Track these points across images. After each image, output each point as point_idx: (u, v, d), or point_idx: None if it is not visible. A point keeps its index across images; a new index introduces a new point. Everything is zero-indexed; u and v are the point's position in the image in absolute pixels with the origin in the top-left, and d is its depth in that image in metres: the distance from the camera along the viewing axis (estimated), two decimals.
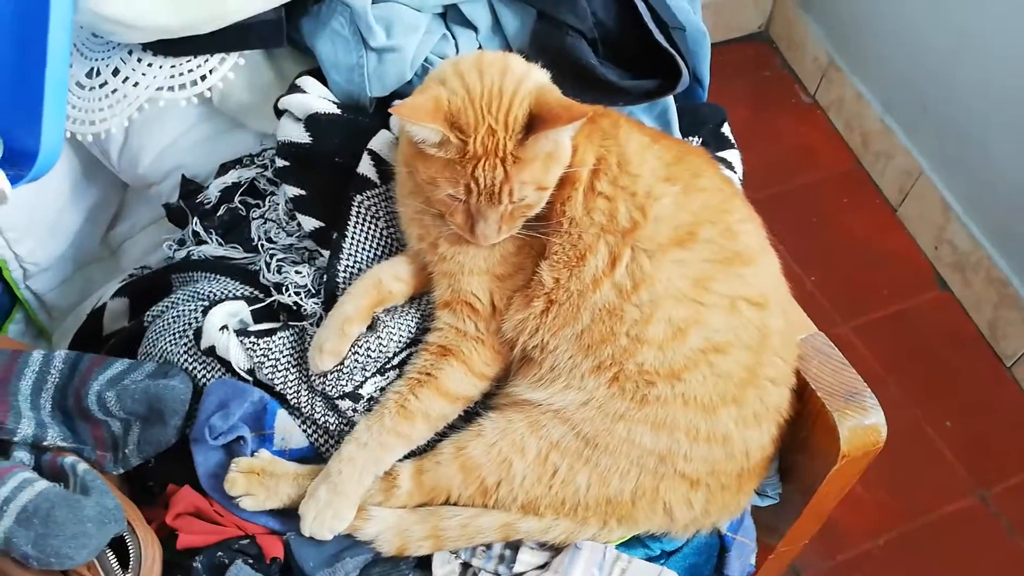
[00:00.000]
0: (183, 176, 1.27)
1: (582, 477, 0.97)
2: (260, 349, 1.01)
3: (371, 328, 1.02)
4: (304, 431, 1.03)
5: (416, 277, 1.06)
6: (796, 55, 2.70)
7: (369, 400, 1.01)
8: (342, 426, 1.02)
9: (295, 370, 1.02)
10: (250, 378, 1.03)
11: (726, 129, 1.29)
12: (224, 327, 1.02)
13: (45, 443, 1.01)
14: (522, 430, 0.97)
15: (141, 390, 1.02)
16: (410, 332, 1.04)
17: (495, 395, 1.04)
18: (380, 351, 1.01)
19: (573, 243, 0.96)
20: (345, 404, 1.00)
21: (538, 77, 0.94)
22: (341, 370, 0.99)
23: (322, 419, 1.02)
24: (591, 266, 0.95)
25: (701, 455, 0.96)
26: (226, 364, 1.04)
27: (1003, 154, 2.07)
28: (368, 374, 1.01)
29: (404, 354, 1.04)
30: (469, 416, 1.03)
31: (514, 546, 0.99)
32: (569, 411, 0.97)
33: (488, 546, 0.99)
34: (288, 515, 0.99)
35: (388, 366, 1.03)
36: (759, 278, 0.99)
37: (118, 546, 0.93)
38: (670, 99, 1.22)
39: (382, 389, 1.02)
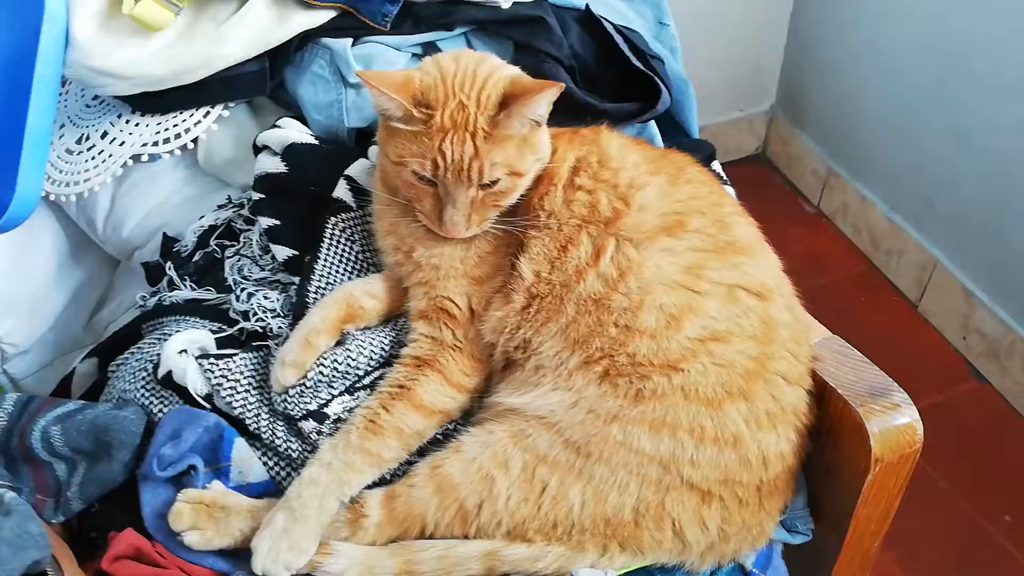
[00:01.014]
0: (164, 234, 1.25)
1: (575, 493, 0.84)
2: (219, 371, 0.93)
3: (340, 343, 0.94)
4: (264, 463, 0.92)
5: (391, 295, 0.99)
6: (795, 170, 2.74)
7: (336, 422, 0.91)
8: (306, 455, 0.91)
9: (256, 392, 0.93)
10: (208, 406, 0.94)
11: (716, 166, 1.26)
12: (183, 351, 0.95)
13: None
14: (504, 442, 0.86)
15: (88, 421, 0.94)
16: (383, 350, 0.95)
17: (476, 412, 0.93)
18: (349, 366, 0.92)
19: (553, 236, 0.90)
20: (309, 426, 0.90)
21: (517, 70, 0.93)
22: (304, 385, 0.90)
23: (284, 446, 0.91)
24: (573, 257, 0.89)
25: (710, 460, 0.84)
26: (184, 395, 0.95)
27: (1020, 234, 2.01)
28: (335, 392, 0.92)
29: (376, 374, 0.95)
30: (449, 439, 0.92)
31: None
32: (556, 416, 0.86)
33: None
34: (240, 556, 0.86)
35: (358, 385, 0.94)
36: (757, 269, 0.91)
37: None
38: (654, 127, 1.21)
39: (351, 411, 0.92)
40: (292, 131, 1.10)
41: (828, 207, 2.65)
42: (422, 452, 0.91)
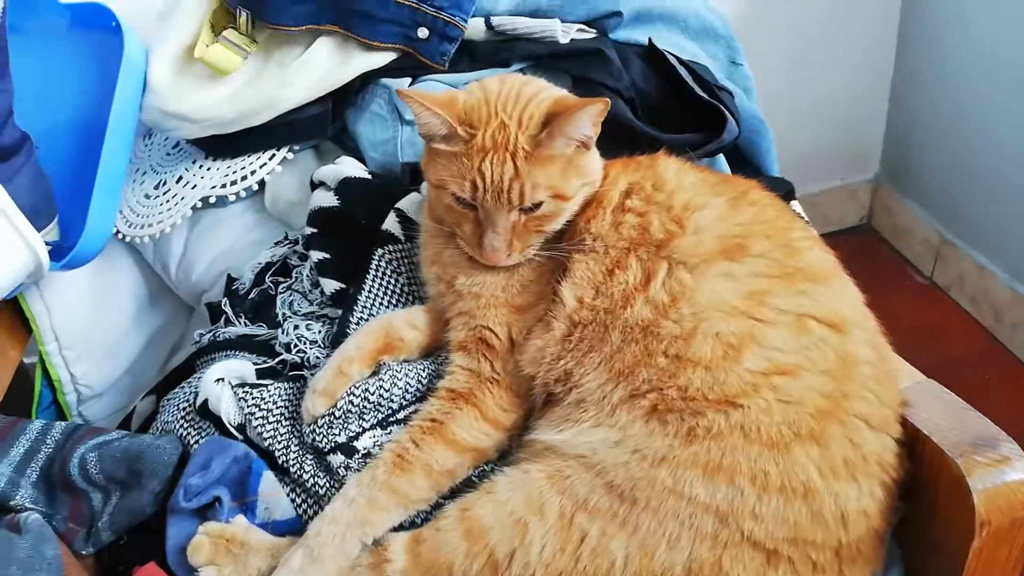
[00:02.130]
0: (228, 275, 1.26)
1: (617, 545, 0.74)
2: (252, 400, 0.90)
3: (375, 374, 0.89)
4: (292, 499, 0.87)
5: (433, 327, 0.94)
6: (904, 240, 2.56)
7: (365, 457, 0.85)
8: (333, 491, 0.85)
9: (287, 423, 0.89)
10: (240, 436, 0.91)
11: (796, 205, 1.17)
12: (220, 380, 0.92)
13: (12, 503, 0.90)
14: (540, 483, 0.77)
15: (123, 449, 0.92)
16: (420, 383, 0.90)
17: (514, 452, 0.85)
18: (381, 397, 0.87)
19: (599, 259, 0.84)
20: (337, 459, 0.85)
21: (563, 91, 0.89)
22: (333, 415, 0.85)
23: (311, 481, 0.86)
24: (620, 282, 0.81)
25: (775, 512, 0.72)
26: (221, 426, 0.92)
27: None
28: (366, 424, 0.86)
29: (412, 408, 0.89)
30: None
31: None
32: (598, 455, 0.77)
33: None
34: None
35: (391, 419, 0.88)
36: (832, 298, 0.81)
37: None
38: (724, 164, 1.13)
39: (381, 446, 0.86)
40: (347, 167, 1.09)
41: (942, 278, 2.45)
42: (456, 495, 0.83)
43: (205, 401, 0.92)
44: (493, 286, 0.87)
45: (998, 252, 2.24)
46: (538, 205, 0.83)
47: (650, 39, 1.13)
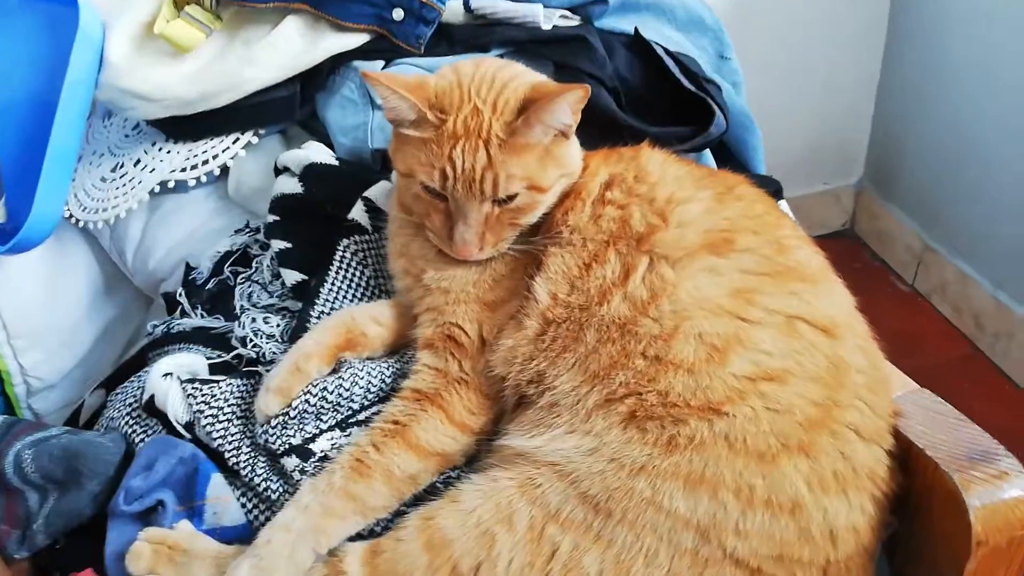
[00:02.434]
0: (186, 264, 1.19)
1: (591, 560, 0.69)
2: (202, 396, 0.83)
3: (335, 372, 0.83)
4: (242, 504, 0.81)
5: (398, 323, 0.88)
6: (886, 246, 2.53)
7: (322, 460, 0.79)
8: (286, 496, 0.79)
9: (239, 423, 0.83)
10: (188, 435, 0.84)
11: (784, 205, 1.12)
12: (168, 374, 0.86)
13: None
14: (510, 492, 0.72)
15: (61, 447, 0.85)
16: (383, 382, 0.84)
17: (482, 458, 0.80)
18: (340, 397, 0.81)
19: (575, 253, 0.78)
20: (291, 462, 0.79)
21: (542, 77, 0.84)
22: (288, 415, 0.79)
23: (263, 485, 0.80)
24: (597, 276, 0.76)
25: (760, 528, 0.67)
26: (168, 424, 0.86)
27: None
28: (323, 426, 0.80)
29: (374, 409, 0.83)
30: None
31: None
32: (572, 463, 0.71)
33: None
34: None
35: (351, 420, 0.82)
36: (823, 300, 0.76)
37: None
38: (711, 159, 1.08)
39: (340, 449, 0.80)
40: (313, 152, 1.03)
41: (924, 285, 2.42)
42: (419, 503, 0.77)
43: (152, 397, 0.86)
44: (463, 281, 0.81)
45: (981, 260, 2.22)
46: (512, 197, 0.78)
47: (636, 28, 1.09)
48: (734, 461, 0.68)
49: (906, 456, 0.74)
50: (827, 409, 0.70)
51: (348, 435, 0.81)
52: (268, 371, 0.84)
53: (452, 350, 0.81)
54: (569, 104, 0.77)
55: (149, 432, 0.88)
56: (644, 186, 0.81)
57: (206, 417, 0.82)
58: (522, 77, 0.81)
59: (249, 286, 1.02)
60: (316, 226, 0.98)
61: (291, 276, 0.97)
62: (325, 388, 0.80)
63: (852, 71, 2.30)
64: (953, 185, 2.25)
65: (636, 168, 0.83)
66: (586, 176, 0.83)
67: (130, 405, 0.90)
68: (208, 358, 0.92)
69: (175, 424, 0.84)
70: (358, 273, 0.93)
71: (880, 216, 2.54)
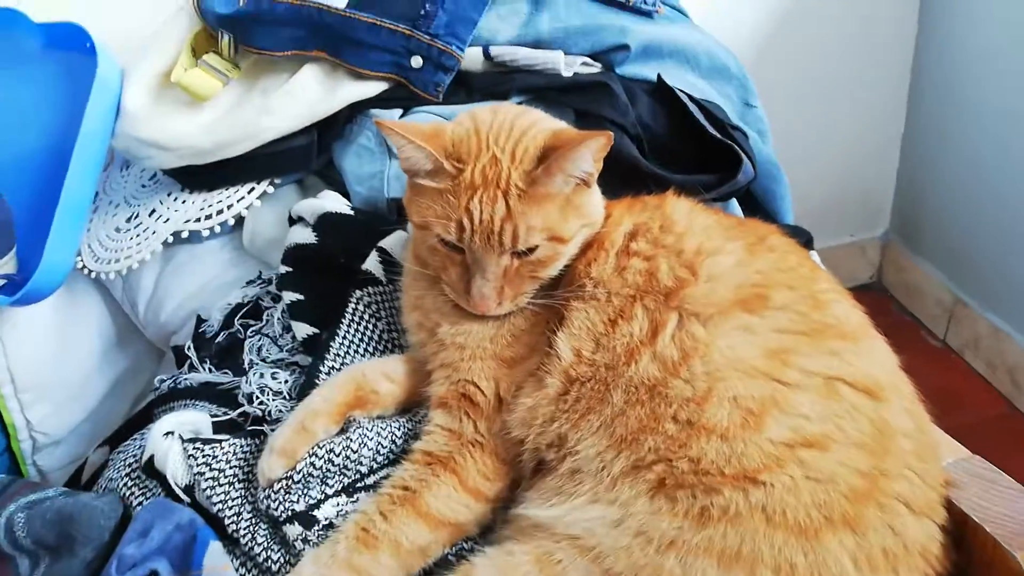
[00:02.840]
0: (198, 316, 1.16)
1: None
2: (203, 457, 0.79)
3: (343, 432, 0.79)
4: (240, 575, 0.75)
5: (411, 380, 0.84)
6: (915, 300, 2.46)
7: (327, 528, 0.74)
8: (287, 567, 0.74)
9: (240, 486, 0.78)
10: (187, 498, 0.80)
11: (815, 256, 1.08)
12: (169, 432, 0.82)
13: None
14: (527, 568, 0.66)
15: (55, 510, 0.81)
16: (394, 444, 0.79)
17: (498, 528, 0.74)
18: (348, 459, 0.76)
19: (600, 308, 0.74)
20: (293, 530, 0.74)
21: (562, 124, 0.81)
22: (292, 479, 0.74)
23: (263, 555, 0.75)
24: (624, 334, 0.72)
25: None
26: (168, 486, 0.81)
27: None
28: (329, 491, 0.75)
29: (384, 472, 0.78)
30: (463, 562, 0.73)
31: None
32: (595, 536, 0.66)
33: None
34: None
35: (359, 484, 0.77)
36: (865, 360, 0.71)
37: None
38: (736, 206, 1.04)
39: (346, 516, 0.75)
40: (328, 201, 1.00)
41: (956, 340, 2.34)
42: None
43: (152, 457, 0.81)
44: (480, 336, 0.77)
45: (1015, 313, 2.14)
46: (533, 249, 0.74)
47: (659, 75, 1.06)
48: (773, 536, 0.62)
49: (960, 531, 0.68)
50: (873, 479, 0.65)
51: (355, 501, 0.76)
52: (273, 430, 0.80)
53: (467, 409, 0.76)
54: (591, 152, 0.73)
55: (148, 495, 0.83)
56: (671, 236, 0.77)
57: (206, 480, 0.78)
58: (541, 124, 0.78)
59: (259, 339, 0.98)
60: (329, 278, 0.95)
61: (302, 329, 0.93)
62: (332, 450, 0.76)
63: (876, 121, 2.27)
64: (982, 235, 2.19)
65: (661, 217, 0.79)
66: (609, 226, 0.79)
67: (130, 465, 0.86)
68: (213, 416, 0.88)
69: (174, 487, 0.79)
70: (371, 326, 0.89)
71: (908, 268, 2.47)
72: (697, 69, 1.13)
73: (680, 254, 0.75)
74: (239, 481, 0.78)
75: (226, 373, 1.00)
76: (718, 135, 0.98)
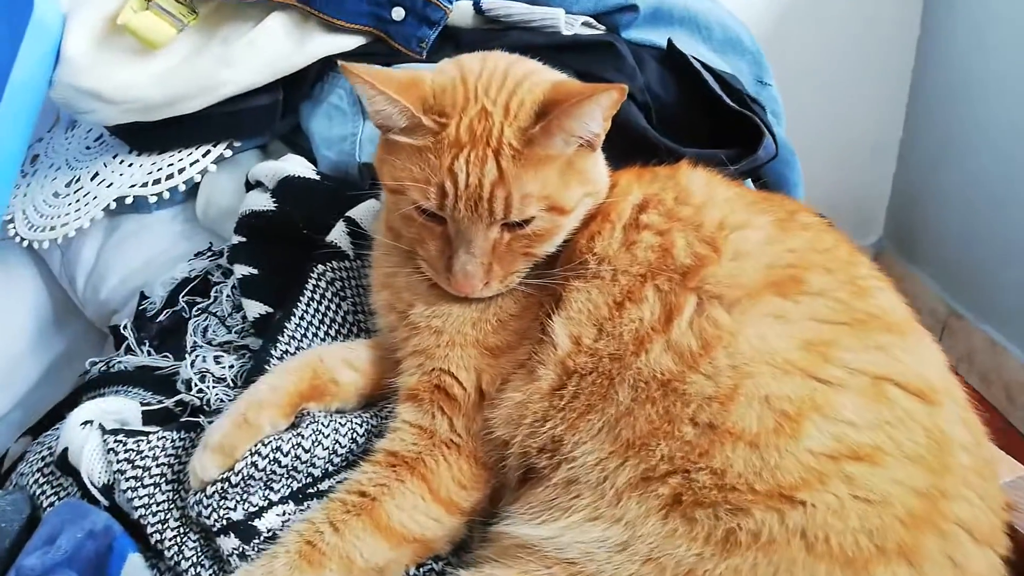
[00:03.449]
0: (141, 292, 1.03)
1: None
2: (125, 452, 0.66)
3: (293, 427, 0.66)
4: None
5: (377, 368, 0.72)
6: None
7: (269, 540, 0.62)
8: None
9: (167, 487, 0.65)
10: (105, 500, 0.67)
11: None
12: (88, 422, 0.69)
13: None
14: None
15: None
16: (355, 444, 0.67)
17: (473, 545, 0.62)
18: (298, 460, 0.64)
19: (604, 288, 0.62)
20: (229, 543, 0.61)
21: (561, 75, 0.69)
22: (229, 480, 0.62)
23: (191, 571, 0.62)
24: (632, 318, 0.60)
25: None
26: (84, 486, 0.68)
27: None
28: (274, 496, 0.63)
29: (340, 477, 0.66)
30: None
31: None
32: (595, 563, 0.54)
33: None
34: None
35: (309, 491, 0.64)
36: (914, 357, 0.60)
37: None
38: (750, 187, 0.93)
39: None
40: (291, 164, 0.88)
41: (949, 354, 2.24)
42: None
43: (66, 450, 0.68)
44: (460, 320, 0.65)
45: (1011, 326, 2.07)
46: (527, 221, 0.62)
47: (670, 40, 0.95)
48: (814, 567, 0.51)
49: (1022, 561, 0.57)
50: (932, 501, 0.54)
51: (304, 510, 0.64)
52: (211, 423, 0.67)
53: (442, 404, 0.64)
54: (601, 109, 0.62)
55: (60, 494, 0.70)
56: (688, 208, 0.65)
57: (128, 479, 0.65)
58: (539, 74, 0.67)
59: (205, 319, 0.85)
60: (288, 250, 0.83)
61: (254, 308, 0.81)
62: (279, 448, 0.63)
63: (875, 124, 2.20)
64: (979, 247, 2.12)
65: (675, 188, 0.68)
66: (615, 195, 0.68)
67: (43, 459, 0.73)
68: (144, 404, 0.75)
69: (89, 486, 0.66)
70: (332, 306, 0.77)
71: (901, 278, 2.37)
72: (709, 40, 1.03)
73: (699, 228, 0.64)
74: (167, 482, 0.66)
75: (166, 357, 0.87)
76: (736, 106, 0.87)
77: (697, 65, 0.91)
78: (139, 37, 0.95)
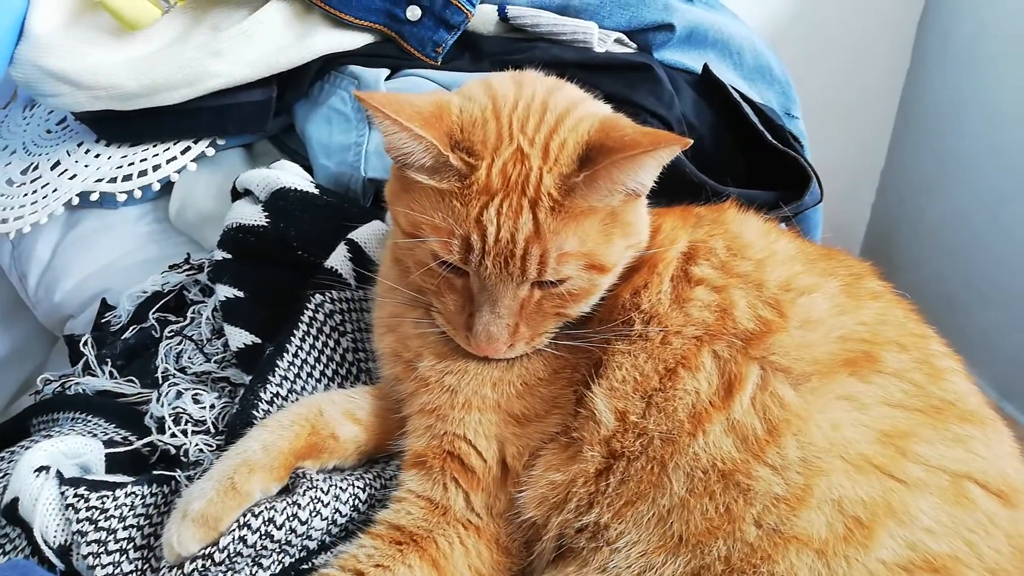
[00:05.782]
0: (103, 300, 0.92)
1: None
2: (87, 510, 0.57)
3: (286, 491, 0.58)
4: None
5: (382, 421, 0.64)
6: None
7: None
8: None
9: (135, 555, 0.56)
10: (60, 564, 0.57)
11: None
12: (43, 468, 0.59)
13: None
14: None
15: None
16: (355, 509, 0.59)
17: None
18: (293, 532, 0.55)
19: (652, 352, 0.55)
20: None
21: (608, 110, 0.62)
22: (212, 558, 0.53)
23: None
24: (687, 389, 0.53)
25: None
26: (35, 541, 0.59)
27: None
28: (263, 573, 0.54)
29: (337, 550, 0.57)
30: None
31: None
32: None
33: None
34: None
35: (303, 567, 0.56)
36: (994, 452, 0.54)
37: None
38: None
39: None
40: (285, 174, 0.79)
41: None
42: None
43: (15, 501, 0.59)
44: (478, 379, 0.58)
45: (986, 367, 2.07)
46: (563, 280, 0.54)
47: (705, 65, 0.88)
48: None
49: None
50: None
51: None
52: (189, 481, 0.58)
53: (456, 475, 0.56)
54: (658, 163, 0.54)
55: (7, 547, 0.60)
56: (747, 263, 0.59)
57: (89, 543, 0.56)
58: (583, 106, 0.59)
59: (180, 343, 0.76)
60: (280, 273, 0.74)
61: (238, 337, 0.72)
62: (272, 520, 0.55)
63: (855, 155, 2.17)
64: (956, 284, 2.11)
65: (725, 235, 0.61)
66: (660, 243, 0.60)
67: None
68: (109, 443, 0.65)
69: (42, 546, 0.57)
70: (331, 343, 0.68)
71: None
72: (740, 67, 0.96)
73: (761, 287, 0.57)
74: (135, 548, 0.56)
75: (132, 382, 0.77)
76: (778, 144, 0.80)
77: (736, 96, 0.84)
78: (117, 16, 0.84)
